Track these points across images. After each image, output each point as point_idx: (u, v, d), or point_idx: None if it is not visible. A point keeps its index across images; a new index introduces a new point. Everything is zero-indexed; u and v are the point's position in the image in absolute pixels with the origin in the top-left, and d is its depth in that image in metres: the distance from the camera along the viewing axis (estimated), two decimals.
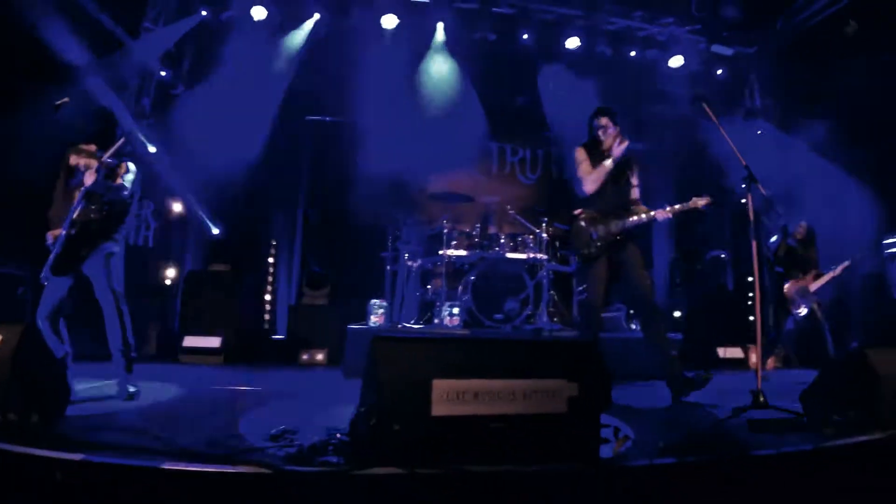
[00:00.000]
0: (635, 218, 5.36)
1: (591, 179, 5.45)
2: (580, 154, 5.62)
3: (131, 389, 4.79)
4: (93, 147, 4.91)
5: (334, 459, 2.66)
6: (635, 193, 5.59)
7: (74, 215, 4.70)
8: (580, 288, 5.16)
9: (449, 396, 2.61)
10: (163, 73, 9.73)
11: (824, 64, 9.47)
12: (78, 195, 4.73)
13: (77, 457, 2.57)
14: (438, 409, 2.59)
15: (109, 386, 5.01)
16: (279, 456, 2.82)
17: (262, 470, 2.49)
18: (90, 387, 5.14)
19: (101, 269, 4.86)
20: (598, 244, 5.35)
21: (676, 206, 5.35)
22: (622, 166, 5.49)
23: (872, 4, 8.87)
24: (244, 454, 2.83)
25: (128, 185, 4.93)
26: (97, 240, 4.88)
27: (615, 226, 5.36)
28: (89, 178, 4.66)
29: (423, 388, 2.59)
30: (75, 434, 3.27)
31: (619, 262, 5.39)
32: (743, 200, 4.93)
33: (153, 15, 9.47)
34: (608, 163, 5.36)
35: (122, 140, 4.88)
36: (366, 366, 2.76)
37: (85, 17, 8.19)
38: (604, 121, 5.61)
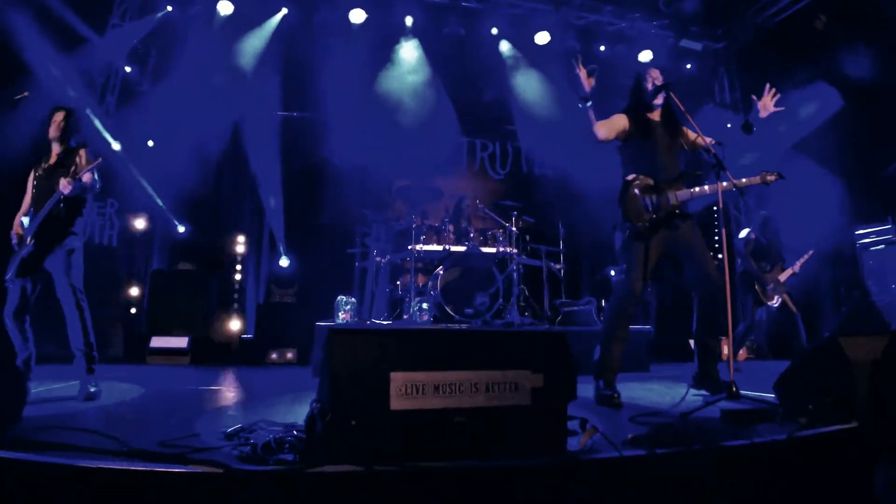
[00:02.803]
0: (697, 189, 4.76)
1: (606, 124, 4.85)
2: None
3: (91, 390, 4.66)
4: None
5: (289, 457, 2.53)
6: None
7: (39, 223, 4.76)
8: (616, 269, 4.59)
9: (408, 390, 2.49)
10: (128, 70, 9.56)
11: (794, 58, 9.51)
12: (48, 201, 4.75)
13: (26, 457, 2.45)
14: (397, 403, 2.47)
15: (71, 387, 4.89)
16: (233, 455, 2.70)
17: (214, 469, 2.38)
18: (50, 388, 5.04)
19: (61, 264, 4.79)
20: (654, 216, 4.72)
21: (743, 180, 4.77)
22: (675, 134, 4.99)
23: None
24: (197, 454, 2.71)
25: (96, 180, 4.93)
26: (59, 235, 4.82)
27: (673, 196, 4.75)
28: (65, 188, 4.67)
29: (381, 382, 2.47)
30: (28, 435, 3.15)
31: (677, 239, 4.79)
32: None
33: (119, 11, 9.34)
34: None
35: (98, 160, 4.86)
36: (322, 360, 2.65)
37: (49, 12, 8.02)
38: (655, 73, 5.07)
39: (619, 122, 4.94)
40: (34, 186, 5.05)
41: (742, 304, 7.74)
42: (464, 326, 7.37)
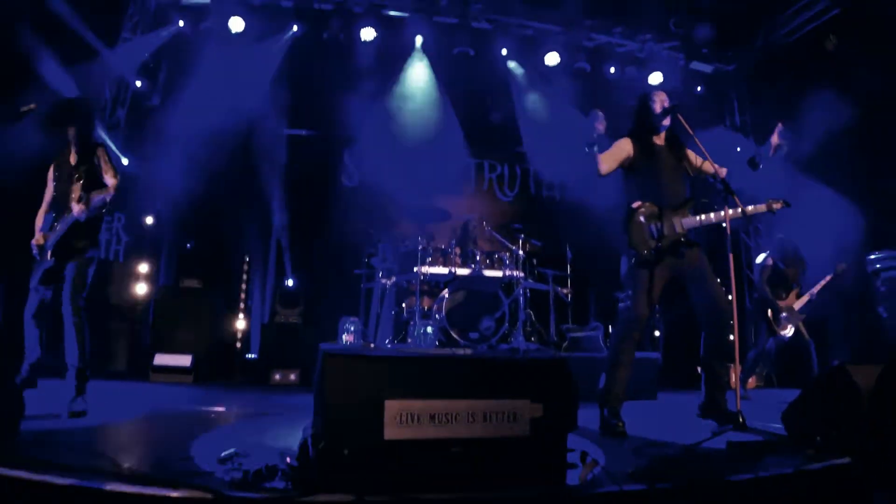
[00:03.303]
0: (703, 217, 4.69)
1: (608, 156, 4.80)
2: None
3: (78, 407, 4.57)
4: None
5: (280, 485, 2.47)
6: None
7: (58, 238, 4.80)
8: (622, 295, 4.52)
9: (403, 418, 2.42)
10: (138, 84, 9.60)
11: (804, 80, 9.45)
12: (62, 222, 4.79)
13: (14, 474, 2.40)
14: (391, 433, 2.41)
15: (64, 402, 4.75)
16: (225, 481, 2.63)
17: (204, 495, 2.32)
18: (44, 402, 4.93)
19: (71, 273, 4.80)
20: (660, 244, 4.65)
21: (749, 207, 4.72)
22: (680, 158, 4.92)
23: (852, 20, 8.89)
24: (189, 477, 2.65)
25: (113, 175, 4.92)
26: (79, 246, 4.85)
27: (679, 224, 4.68)
28: (77, 210, 4.67)
29: (375, 410, 2.40)
30: (19, 451, 3.12)
31: (683, 266, 4.71)
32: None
33: (130, 25, 9.40)
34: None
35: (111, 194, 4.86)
36: (316, 385, 2.59)
37: (61, 24, 8.06)
38: (661, 95, 4.99)
39: (623, 149, 4.87)
40: (55, 182, 5.05)
41: (755, 332, 7.62)
42: (468, 351, 7.28)
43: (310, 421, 2.63)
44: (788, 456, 3.40)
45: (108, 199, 4.83)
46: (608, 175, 4.80)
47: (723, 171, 4.84)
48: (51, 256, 4.81)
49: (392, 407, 2.42)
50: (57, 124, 5.07)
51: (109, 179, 4.88)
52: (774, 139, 4.76)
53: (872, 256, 8.78)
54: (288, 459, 2.74)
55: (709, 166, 4.86)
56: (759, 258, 7.79)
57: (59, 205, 4.91)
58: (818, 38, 9.48)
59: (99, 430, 4.10)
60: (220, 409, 5.54)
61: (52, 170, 5.11)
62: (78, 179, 4.77)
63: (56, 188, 5.04)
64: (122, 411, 5.00)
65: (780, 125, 4.78)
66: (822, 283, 7.52)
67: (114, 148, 8.66)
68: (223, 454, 3.09)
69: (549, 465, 2.63)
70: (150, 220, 9.34)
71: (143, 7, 9.52)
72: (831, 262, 7.69)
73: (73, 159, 4.99)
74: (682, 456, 3.48)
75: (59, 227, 4.80)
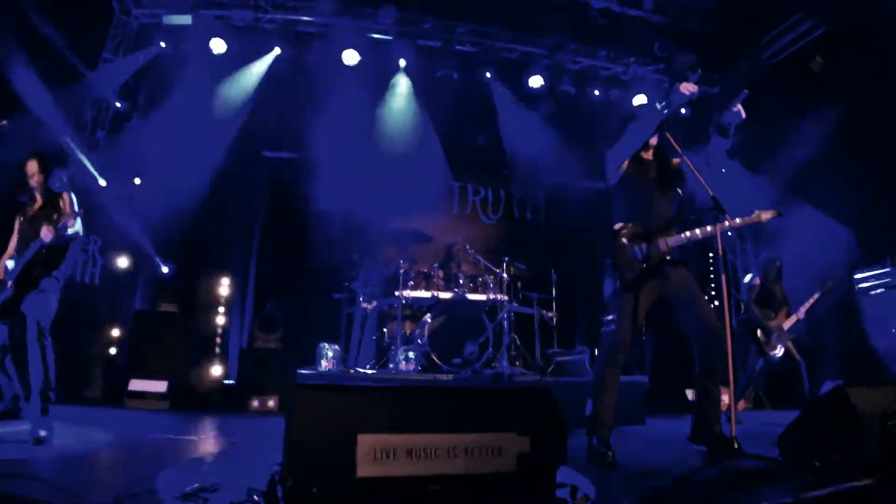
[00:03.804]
0: (688, 234, 4.55)
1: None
2: None
3: (42, 434, 4.40)
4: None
5: None
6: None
7: (20, 268, 4.84)
8: (607, 318, 4.33)
9: (377, 454, 2.23)
10: (118, 105, 9.41)
11: (790, 101, 9.43)
12: (31, 246, 4.81)
13: None
14: (364, 470, 2.21)
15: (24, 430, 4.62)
16: None
17: None
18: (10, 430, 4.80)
19: (31, 302, 4.77)
20: (644, 265, 4.52)
21: (738, 220, 4.58)
22: (672, 176, 4.80)
23: (838, 40, 8.88)
24: None
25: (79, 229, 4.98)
26: (37, 279, 4.85)
27: (664, 243, 4.54)
28: (46, 235, 4.73)
29: (347, 445, 2.21)
30: None
31: (669, 287, 4.57)
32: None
33: (112, 45, 9.25)
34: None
35: (80, 212, 4.94)
36: (286, 418, 2.39)
37: (42, 44, 7.91)
38: None
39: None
40: (19, 231, 5.14)
41: (743, 353, 7.47)
42: (450, 377, 7.09)
43: (279, 454, 2.42)
44: (787, 483, 3.27)
45: (70, 235, 4.85)
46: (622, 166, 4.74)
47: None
48: (10, 285, 4.83)
49: (365, 442, 2.23)
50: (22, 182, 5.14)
51: (70, 220, 4.85)
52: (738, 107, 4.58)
53: (859, 275, 8.70)
54: (255, 497, 2.54)
55: (692, 173, 4.74)
56: (746, 278, 7.69)
57: (23, 249, 4.94)
58: (804, 58, 9.47)
59: (63, 461, 3.94)
60: (193, 437, 5.32)
61: (17, 220, 5.20)
62: (42, 221, 4.85)
63: (21, 233, 5.12)
64: (92, 439, 4.81)
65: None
66: (810, 301, 7.42)
67: (93, 171, 8.45)
68: (187, 489, 2.91)
69: (538, 502, 2.43)
70: (126, 244, 9.10)
71: (125, 28, 9.36)
72: (819, 280, 7.60)
73: (37, 206, 5.09)
74: (677, 487, 3.30)
75: (26, 254, 4.81)
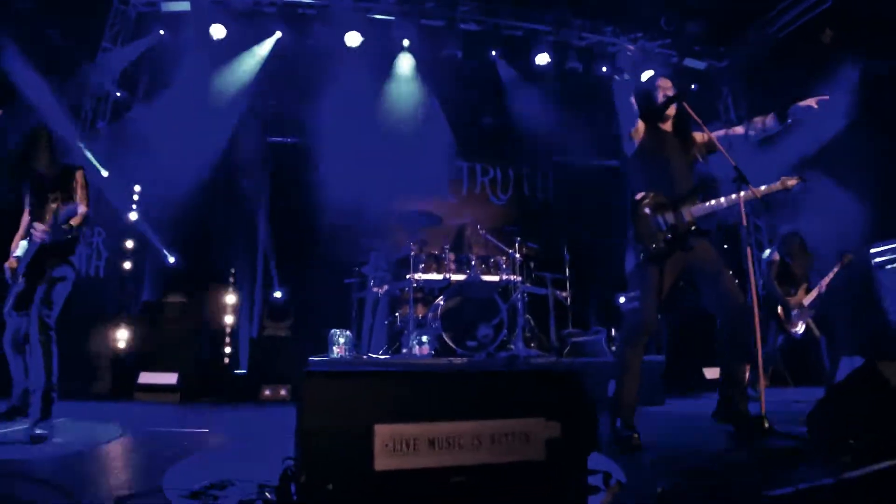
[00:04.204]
0: (713, 202, 4.36)
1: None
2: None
3: (38, 432, 4.28)
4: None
5: None
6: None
7: (28, 260, 4.73)
8: (630, 295, 4.11)
9: (396, 445, 2.07)
10: (118, 94, 9.28)
11: (801, 72, 9.22)
12: (29, 248, 4.74)
13: None
14: (383, 463, 2.05)
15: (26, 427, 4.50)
16: None
17: None
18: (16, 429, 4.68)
19: (40, 293, 4.64)
20: (668, 236, 4.30)
21: (762, 188, 4.41)
22: (688, 144, 4.64)
23: (848, 11, 8.67)
24: None
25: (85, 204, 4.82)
26: (49, 266, 4.72)
27: (688, 213, 4.35)
28: (39, 232, 4.61)
29: (364, 437, 2.05)
30: None
31: (693, 259, 4.40)
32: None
33: (111, 34, 9.11)
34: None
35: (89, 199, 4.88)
36: (297, 408, 2.23)
37: (38, 34, 7.77)
38: (665, 83, 4.74)
39: (640, 125, 4.62)
40: (30, 206, 4.99)
41: (763, 330, 7.31)
42: (465, 360, 6.96)
43: (293, 446, 2.27)
44: (823, 463, 3.16)
45: (75, 225, 4.70)
46: (631, 135, 4.61)
47: (739, 130, 4.57)
48: (21, 279, 4.73)
49: (383, 432, 2.07)
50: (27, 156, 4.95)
51: (81, 208, 4.75)
52: (812, 102, 4.43)
53: (875, 249, 8.51)
54: (267, 494, 2.41)
55: (717, 139, 4.57)
56: (765, 254, 7.51)
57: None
58: (812, 31, 9.26)
59: (69, 459, 3.81)
60: (203, 430, 5.20)
61: (27, 197, 5.05)
62: (53, 202, 4.68)
63: (31, 213, 4.96)
64: (100, 435, 4.64)
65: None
66: (830, 275, 7.24)
67: (95, 162, 8.33)
68: (196, 487, 2.77)
69: (569, 491, 2.27)
70: (131, 234, 8.99)
71: (123, 16, 9.20)
72: (837, 253, 7.42)
73: (49, 181, 4.87)
74: (708, 469, 3.16)
75: (28, 250, 4.73)
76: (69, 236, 4.71)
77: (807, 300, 7.13)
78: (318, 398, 2.08)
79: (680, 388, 7.88)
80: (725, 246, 9.94)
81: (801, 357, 7.71)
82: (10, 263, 4.82)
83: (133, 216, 8.94)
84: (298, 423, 2.12)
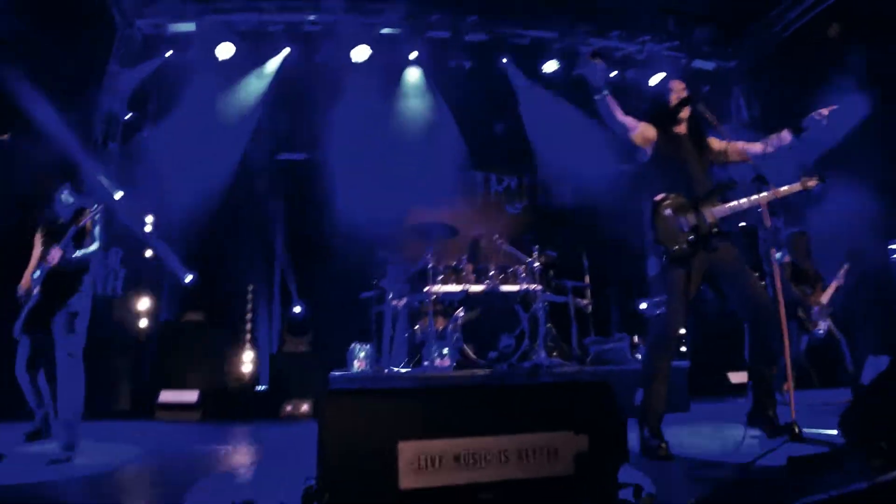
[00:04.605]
0: (734, 203, 4.31)
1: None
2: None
3: (61, 455, 4.34)
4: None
5: None
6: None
7: (40, 285, 4.89)
8: (655, 300, 4.00)
9: (421, 463, 2.02)
10: (128, 116, 9.33)
11: (811, 68, 9.14)
12: (42, 266, 4.91)
13: None
14: (408, 481, 2.00)
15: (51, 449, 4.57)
16: None
17: None
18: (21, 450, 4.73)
19: (62, 327, 4.74)
20: (691, 238, 4.23)
21: (783, 189, 4.34)
22: (703, 148, 4.57)
23: (852, 6, 8.59)
24: None
25: (95, 241, 5.02)
26: (65, 291, 4.83)
27: (710, 213, 4.29)
28: (55, 256, 4.79)
29: (388, 454, 2.00)
30: None
31: (717, 261, 4.30)
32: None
33: (118, 56, 9.12)
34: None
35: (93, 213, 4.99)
36: (319, 427, 2.18)
37: (47, 57, 7.81)
38: (678, 85, 4.68)
39: (649, 131, 4.53)
40: (43, 244, 5.12)
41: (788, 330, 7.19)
42: (487, 372, 6.88)
43: (314, 465, 2.22)
44: (856, 468, 3.03)
45: (83, 259, 4.93)
46: (635, 144, 4.52)
47: (756, 147, 4.48)
48: (36, 291, 4.89)
49: (407, 450, 2.02)
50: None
51: (90, 245, 4.98)
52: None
53: (893, 245, 8.38)
54: None
55: (735, 151, 4.50)
56: (776, 255, 7.40)
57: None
58: (820, 26, 9.17)
59: (85, 480, 3.80)
60: (224, 448, 5.16)
61: (38, 234, 5.21)
62: (64, 242, 4.86)
63: (43, 250, 5.08)
64: (120, 455, 4.65)
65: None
66: (842, 272, 7.13)
67: (108, 184, 8.36)
68: None
69: None
70: (147, 253, 9.01)
71: (130, 39, 9.24)
72: (847, 252, 7.33)
73: (61, 220, 5.08)
74: (740, 479, 3.08)
75: (41, 271, 4.91)
76: (80, 266, 4.89)
77: (825, 298, 7.02)
78: (339, 417, 2.03)
79: (705, 392, 7.78)
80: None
81: (824, 357, 7.59)
82: (24, 283, 5.03)
83: (148, 234, 8.95)
84: (320, 442, 2.07)
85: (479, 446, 2.09)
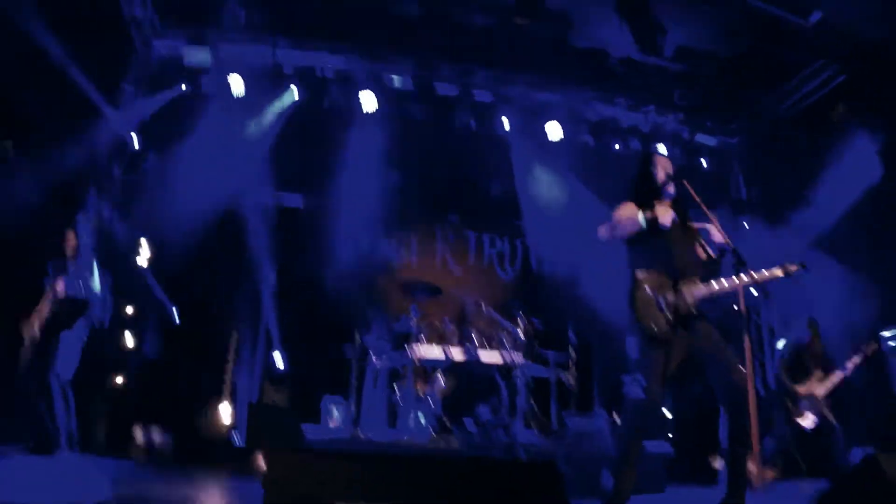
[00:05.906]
0: (715, 285, 4.23)
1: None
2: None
3: None
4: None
5: None
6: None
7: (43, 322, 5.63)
8: (629, 378, 3.93)
9: None
10: (136, 146, 9.40)
11: (812, 151, 9.26)
12: (49, 300, 5.72)
13: None
14: None
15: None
16: None
17: None
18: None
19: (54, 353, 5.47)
20: (669, 317, 4.19)
21: (765, 272, 4.21)
22: (687, 227, 4.52)
23: (860, 88, 8.72)
24: None
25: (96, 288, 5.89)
26: (59, 328, 5.66)
27: (690, 293, 4.25)
28: (59, 287, 5.67)
29: None
30: None
31: (697, 343, 4.25)
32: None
33: (133, 78, 9.23)
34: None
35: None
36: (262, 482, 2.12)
37: (62, 81, 7.87)
38: (663, 160, 4.70)
39: (633, 214, 4.46)
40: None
41: (772, 419, 7.08)
42: (461, 442, 6.78)
43: None
44: None
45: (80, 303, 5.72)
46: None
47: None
48: (38, 331, 5.61)
49: None
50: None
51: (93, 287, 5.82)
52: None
53: (886, 333, 8.35)
54: None
55: (716, 235, 4.48)
56: (779, 343, 7.35)
57: None
58: (825, 106, 9.30)
59: None
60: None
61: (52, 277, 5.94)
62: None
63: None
64: (87, 495, 4.48)
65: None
66: (850, 365, 7.01)
67: (107, 214, 8.40)
68: None
69: None
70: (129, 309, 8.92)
71: (145, 67, 9.35)
72: (852, 341, 7.26)
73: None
74: None
75: (46, 307, 5.68)
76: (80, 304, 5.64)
77: (820, 390, 6.90)
78: (280, 474, 1.98)
79: (685, 477, 7.64)
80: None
81: (816, 445, 7.47)
82: (32, 321, 5.68)
83: (141, 266, 8.90)
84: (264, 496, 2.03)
85: None
